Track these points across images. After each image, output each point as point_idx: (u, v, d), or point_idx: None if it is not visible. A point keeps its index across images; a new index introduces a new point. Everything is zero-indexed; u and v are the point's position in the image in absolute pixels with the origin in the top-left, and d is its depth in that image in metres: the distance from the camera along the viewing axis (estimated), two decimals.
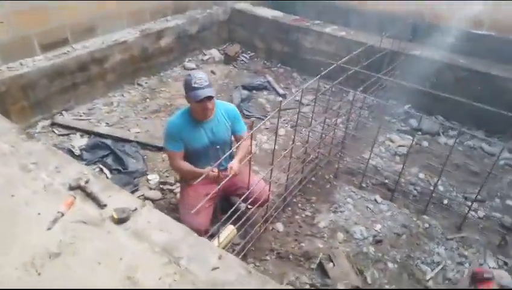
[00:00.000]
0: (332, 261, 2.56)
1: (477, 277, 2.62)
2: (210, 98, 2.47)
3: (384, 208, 3.11)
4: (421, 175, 3.59)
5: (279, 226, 2.99)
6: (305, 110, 4.60)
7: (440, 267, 2.69)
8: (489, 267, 2.74)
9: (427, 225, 3.03)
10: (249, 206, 3.08)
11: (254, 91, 4.86)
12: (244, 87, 4.81)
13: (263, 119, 4.28)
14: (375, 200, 3.18)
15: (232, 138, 2.81)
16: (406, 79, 4.00)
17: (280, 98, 4.76)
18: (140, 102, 4.47)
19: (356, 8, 5.47)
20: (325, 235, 2.84)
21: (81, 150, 3.60)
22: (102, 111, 4.23)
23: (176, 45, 5.06)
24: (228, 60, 5.50)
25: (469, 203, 3.32)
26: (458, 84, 4.26)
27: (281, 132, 4.21)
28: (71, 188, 1.95)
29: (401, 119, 4.56)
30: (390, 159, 3.82)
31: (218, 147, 2.47)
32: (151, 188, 3.31)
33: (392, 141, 4.13)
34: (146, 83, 4.81)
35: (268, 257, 2.75)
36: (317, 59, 5.07)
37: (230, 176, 2.44)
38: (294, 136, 2.81)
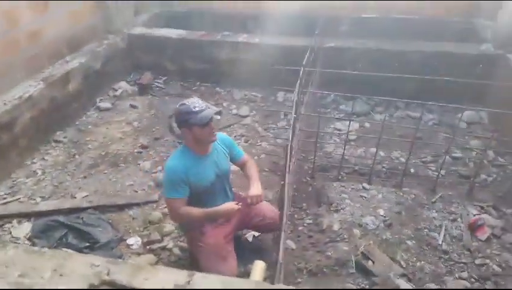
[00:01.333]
0: (369, 259, 2.60)
1: (473, 227, 2.98)
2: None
3: (374, 192, 3.28)
4: (382, 153, 3.87)
5: (290, 244, 2.90)
6: (247, 122, 4.55)
7: (443, 229, 2.97)
8: (474, 215, 3.12)
9: (412, 196, 3.30)
10: (255, 234, 2.95)
11: None
12: None
13: None
14: (364, 187, 3.33)
15: (232, 168, 2.62)
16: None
17: (218, 116, 4.60)
18: (68, 161, 3.80)
19: (256, 12, 5.59)
20: (345, 235, 2.86)
21: (29, 238, 2.91)
22: (28, 184, 3.47)
23: (84, 86, 4.44)
24: (142, 90, 5.07)
25: (431, 166, 3.76)
26: (373, 64, 4.70)
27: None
28: None
29: (333, 108, 4.85)
30: (349, 146, 4.03)
31: (223, 179, 2.43)
32: (139, 253, 2.87)
33: (338, 130, 4.37)
34: (64, 137, 4.11)
35: (300, 279, 2.65)
36: (239, 69, 5.05)
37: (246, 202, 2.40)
38: (289, 152, 2.74)
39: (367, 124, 4.41)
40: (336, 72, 3.74)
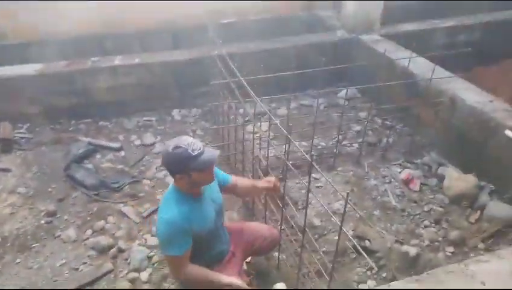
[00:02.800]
0: (365, 239, 2.78)
1: (407, 182, 3.53)
2: None
3: (323, 179, 3.49)
4: (304, 143, 4.12)
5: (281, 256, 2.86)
6: (158, 149, 4.12)
7: (389, 192, 3.41)
8: (399, 172, 3.68)
9: (351, 173, 3.65)
10: (247, 260, 2.78)
11: (86, 161, 3.85)
12: (75, 162, 3.73)
13: (139, 181, 3.61)
14: (315, 178, 3.50)
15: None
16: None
17: (122, 152, 4.02)
18: None
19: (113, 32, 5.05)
20: (329, 227, 2.97)
21: None
22: None
23: None
24: (7, 146, 3.98)
25: (346, 143, 4.19)
26: (259, 64, 4.87)
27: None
28: None
29: (236, 114, 4.85)
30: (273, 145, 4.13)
31: (220, 213, 2.26)
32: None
33: (256, 132, 4.40)
34: None
35: (312, 283, 2.65)
36: (122, 95, 4.50)
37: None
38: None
39: (277, 121, 4.59)
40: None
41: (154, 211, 3.25)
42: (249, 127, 4.44)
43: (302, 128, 4.11)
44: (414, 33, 5.23)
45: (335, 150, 3.74)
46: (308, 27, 5.98)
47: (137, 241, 2.99)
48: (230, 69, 3.92)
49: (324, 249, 2.84)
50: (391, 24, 5.36)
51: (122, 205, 3.35)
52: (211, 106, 4.75)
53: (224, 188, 2.35)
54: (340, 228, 2.11)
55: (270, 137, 4.12)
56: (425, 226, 3.07)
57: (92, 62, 4.38)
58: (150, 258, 2.85)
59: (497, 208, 3.06)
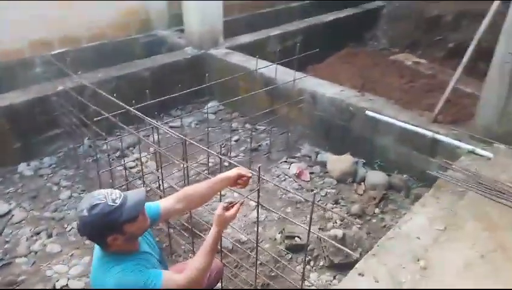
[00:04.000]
0: (294, 237, 2.87)
1: (300, 176, 3.83)
2: None
3: (230, 194, 3.43)
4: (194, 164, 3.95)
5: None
6: (18, 218, 3.28)
7: (291, 189, 3.62)
8: (288, 168, 3.95)
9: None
10: None
11: None
12: None
13: (10, 262, 2.84)
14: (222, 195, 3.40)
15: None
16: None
17: None
18: None
19: None
20: (260, 239, 2.93)
21: None
22: None
23: None
24: None
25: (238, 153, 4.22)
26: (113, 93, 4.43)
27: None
28: None
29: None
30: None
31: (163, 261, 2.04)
32: None
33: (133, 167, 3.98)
34: None
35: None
36: None
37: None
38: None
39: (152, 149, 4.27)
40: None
41: None
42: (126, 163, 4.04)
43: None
44: (252, 43, 5.68)
45: (226, 163, 3.73)
46: (150, 48, 5.78)
47: None
48: (82, 104, 3.46)
49: (261, 259, 2.80)
50: (229, 38, 5.68)
51: None
52: (69, 149, 4.11)
53: (157, 218, 1.98)
54: (257, 244, 2.14)
55: (155, 167, 3.87)
56: (329, 209, 3.38)
57: None
58: None
59: (375, 177, 3.63)
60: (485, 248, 2.08)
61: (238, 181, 2.07)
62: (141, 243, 1.84)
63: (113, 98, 2.84)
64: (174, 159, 2.86)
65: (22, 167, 3.90)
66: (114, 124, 2.87)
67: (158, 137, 2.79)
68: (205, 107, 5.07)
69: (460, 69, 3.37)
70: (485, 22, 3.21)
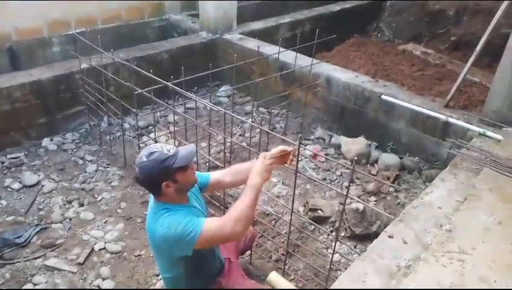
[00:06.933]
0: (317, 209, 3.05)
1: (315, 155, 4.01)
2: None
3: None
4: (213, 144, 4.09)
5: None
6: (49, 188, 3.39)
7: (308, 172, 3.80)
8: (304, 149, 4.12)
9: None
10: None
11: None
12: None
13: (46, 227, 2.98)
14: None
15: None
16: None
17: (2, 202, 3.15)
18: None
19: None
20: (281, 210, 3.11)
21: None
22: None
23: None
24: None
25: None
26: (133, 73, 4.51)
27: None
28: None
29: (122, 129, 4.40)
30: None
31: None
32: None
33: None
34: None
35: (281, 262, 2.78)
36: None
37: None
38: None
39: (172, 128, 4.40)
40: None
41: (91, 253, 2.74)
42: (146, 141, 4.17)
43: (203, 130, 4.09)
44: (263, 30, 5.81)
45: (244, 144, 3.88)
46: (162, 32, 5.88)
47: None
48: (102, 83, 3.57)
49: (285, 231, 2.98)
50: (241, 24, 5.79)
51: (41, 259, 2.69)
52: (90, 126, 4.22)
53: (206, 187, 2.20)
54: (292, 209, 2.32)
55: (176, 144, 4.01)
56: (346, 187, 3.56)
57: None
58: None
59: (388, 158, 3.82)
60: (502, 216, 2.27)
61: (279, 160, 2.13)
62: (190, 198, 2.01)
63: (149, 74, 2.97)
64: (213, 132, 3.00)
65: (46, 141, 4.00)
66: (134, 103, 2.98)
67: (196, 112, 2.93)
68: (219, 90, 5.22)
69: (472, 59, 3.57)
70: (497, 16, 3.40)
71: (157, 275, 2.61)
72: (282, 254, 2.78)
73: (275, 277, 2.41)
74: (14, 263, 2.64)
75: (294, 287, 2.44)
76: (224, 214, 2.86)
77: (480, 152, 2.86)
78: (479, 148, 2.92)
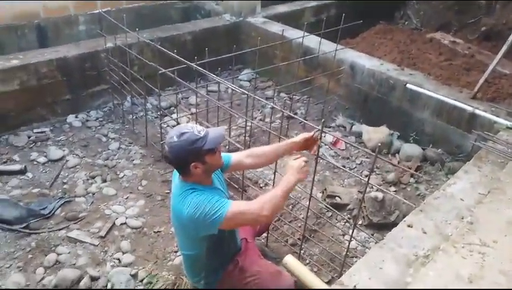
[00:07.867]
0: (335, 196, 3.04)
1: (335, 144, 3.97)
2: None
3: None
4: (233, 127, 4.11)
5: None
6: (74, 163, 3.49)
7: (323, 155, 3.78)
8: (324, 136, 4.09)
9: None
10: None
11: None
12: None
13: (70, 200, 3.06)
14: None
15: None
16: None
17: (28, 174, 3.27)
18: None
19: None
20: (299, 195, 3.12)
21: None
22: None
23: None
24: None
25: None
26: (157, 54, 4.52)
27: None
28: None
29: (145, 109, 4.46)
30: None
31: None
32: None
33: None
34: None
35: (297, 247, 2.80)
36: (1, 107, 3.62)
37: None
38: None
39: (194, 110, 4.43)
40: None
41: (112, 227, 2.83)
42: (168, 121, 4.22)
43: (224, 112, 4.10)
44: (288, 13, 5.73)
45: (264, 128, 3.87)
46: (185, 14, 5.87)
47: (108, 264, 2.57)
48: (126, 62, 3.60)
49: (302, 216, 2.99)
50: (265, 7, 5.73)
51: (64, 231, 2.78)
52: (114, 105, 4.28)
53: (228, 169, 2.21)
54: (310, 194, 2.32)
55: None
56: (366, 176, 3.54)
57: None
58: (134, 276, 2.50)
59: (410, 149, 3.76)
60: None
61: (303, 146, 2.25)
62: (214, 180, 2.03)
63: (174, 55, 2.98)
64: (235, 114, 3.02)
65: (71, 118, 4.10)
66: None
67: (218, 94, 2.94)
68: (242, 73, 5.21)
69: (503, 50, 3.44)
70: None
71: (176, 252, 2.67)
72: (299, 239, 2.80)
73: (291, 260, 2.45)
74: (39, 233, 2.74)
75: (309, 271, 2.46)
76: (242, 196, 2.91)
77: (507, 145, 2.78)
78: (506, 141, 2.84)
